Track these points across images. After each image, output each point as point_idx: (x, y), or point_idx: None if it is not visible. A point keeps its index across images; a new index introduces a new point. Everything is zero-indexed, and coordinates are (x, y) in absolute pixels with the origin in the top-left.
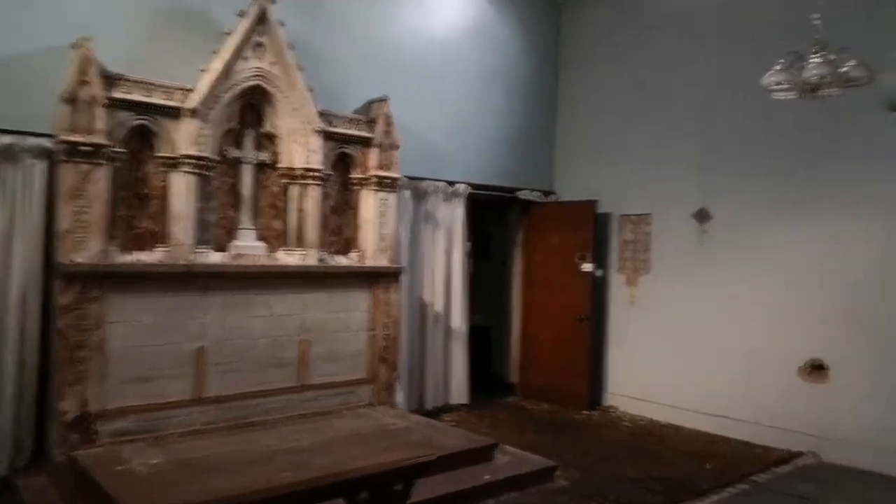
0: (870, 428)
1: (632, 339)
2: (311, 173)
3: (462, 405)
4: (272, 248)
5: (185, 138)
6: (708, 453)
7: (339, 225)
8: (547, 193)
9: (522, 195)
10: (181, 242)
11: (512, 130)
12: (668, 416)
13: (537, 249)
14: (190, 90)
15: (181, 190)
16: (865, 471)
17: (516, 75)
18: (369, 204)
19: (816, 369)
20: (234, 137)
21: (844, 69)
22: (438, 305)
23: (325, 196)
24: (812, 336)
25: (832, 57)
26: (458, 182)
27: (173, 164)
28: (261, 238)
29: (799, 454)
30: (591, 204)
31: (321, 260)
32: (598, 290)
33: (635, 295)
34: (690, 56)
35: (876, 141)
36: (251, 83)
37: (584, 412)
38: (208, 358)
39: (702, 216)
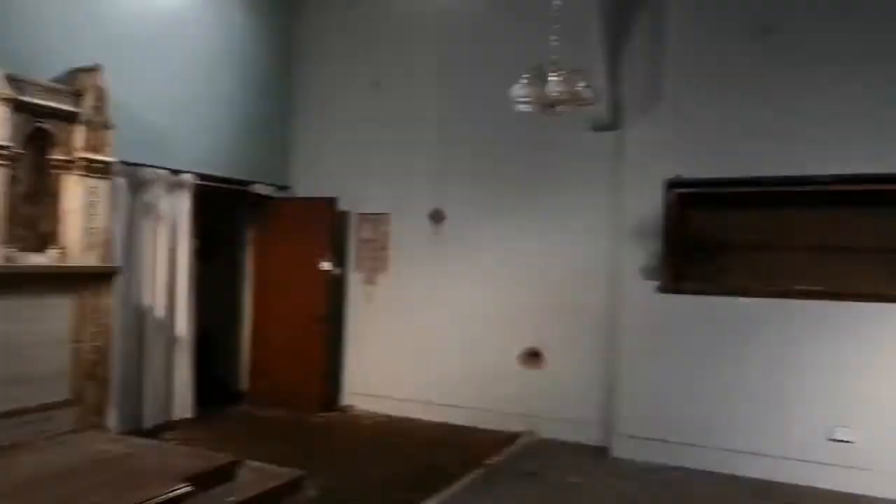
0: (575, 405)
1: (369, 338)
2: None
3: (187, 420)
4: None
5: None
6: (445, 442)
7: (34, 216)
8: (283, 188)
9: (256, 189)
10: None
11: (245, 119)
12: (405, 410)
13: (272, 247)
14: None
15: None
16: (574, 443)
17: (249, 60)
18: (75, 192)
19: (533, 356)
20: None
21: (577, 89)
22: (160, 310)
23: (14, 180)
24: (530, 326)
25: (569, 76)
26: (183, 171)
27: None
28: None
29: (521, 434)
30: (331, 201)
31: (7, 258)
32: (336, 289)
33: (373, 293)
34: (427, 60)
35: (581, 156)
36: None
37: (323, 415)
38: None
39: (436, 217)
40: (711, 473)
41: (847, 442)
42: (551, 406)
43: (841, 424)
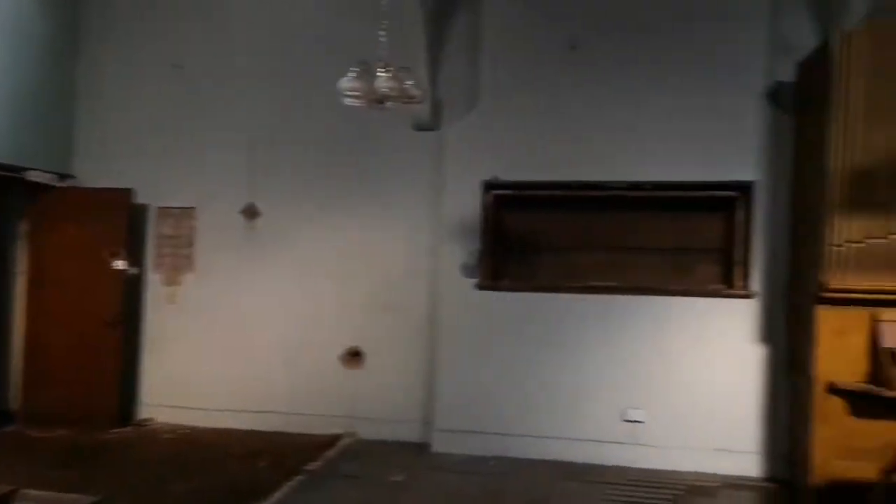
0: (396, 403)
1: (172, 343)
2: None
3: None
4: None
5: None
6: (260, 451)
7: None
8: (66, 177)
9: (32, 177)
10: None
11: (17, 97)
12: (215, 419)
13: (51, 243)
14: None
15: None
16: (396, 441)
17: (25, 29)
18: None
19: (354, 356)
20: None
21: (406, 86)
22: None
23: None
24: (351, 326)
25: (398, 73)
26: None
27: None
28: None
29: (341, 436)
30: (125, 193)
31: None
32: (132, 290)
33: (177, 294)
34: (239, 44)
35: (403, 154)
36: None
37: (115, 431)
38: None
39: (250, 212)
40: (526, 460)
41: (638, 422)
42: (373, 406)
43: (633, 406)
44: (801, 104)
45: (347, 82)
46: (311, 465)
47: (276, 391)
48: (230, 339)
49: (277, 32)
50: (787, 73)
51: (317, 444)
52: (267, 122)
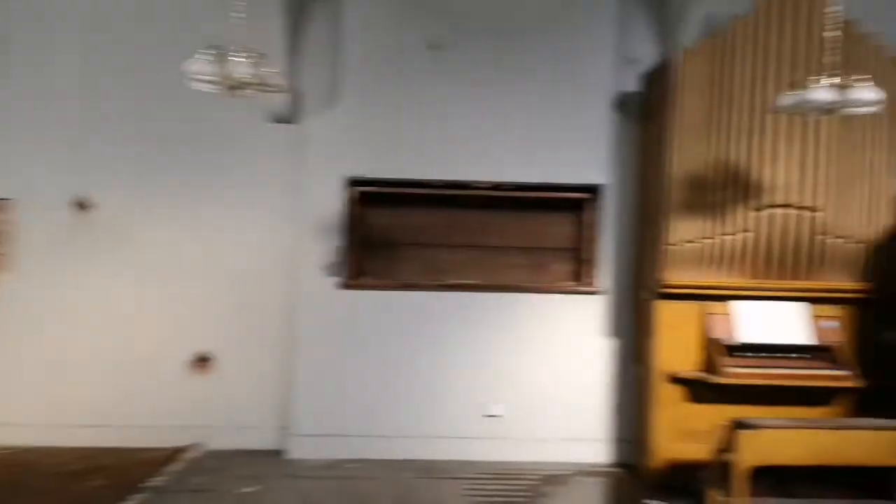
0: (250, 410)
1: None
2: None
3: None
4: None
5: None
6: (93, 469)
7: None
8: None
9: None
10: None
11: None
12: (37, 437)
13: None
14: None
15: None
16: (249, 450)
17: None
18: None
19: (202, 361)
20: None
21: (265, 73)
22: None
23: None
24: (199, 329)
25: (257, 59)
26: None
27: None
28: None
29: (186, 448)
30: None
31: None
32: None
33: None
34: (72, 12)
35: (256, 146)
36: None
37: None
38: None
39: (81, 205)
40: (387, 461)
41: (497, 416)
42: (224, 414)
43: (493, 401)
44: (645, 113)
45: (196, 65)
46: (154, 481)
47: (112, 402)
48: (57, 346)
49: (117, 5)
50: (633, 84)
51: (160, 458)
52: (103, 104)
